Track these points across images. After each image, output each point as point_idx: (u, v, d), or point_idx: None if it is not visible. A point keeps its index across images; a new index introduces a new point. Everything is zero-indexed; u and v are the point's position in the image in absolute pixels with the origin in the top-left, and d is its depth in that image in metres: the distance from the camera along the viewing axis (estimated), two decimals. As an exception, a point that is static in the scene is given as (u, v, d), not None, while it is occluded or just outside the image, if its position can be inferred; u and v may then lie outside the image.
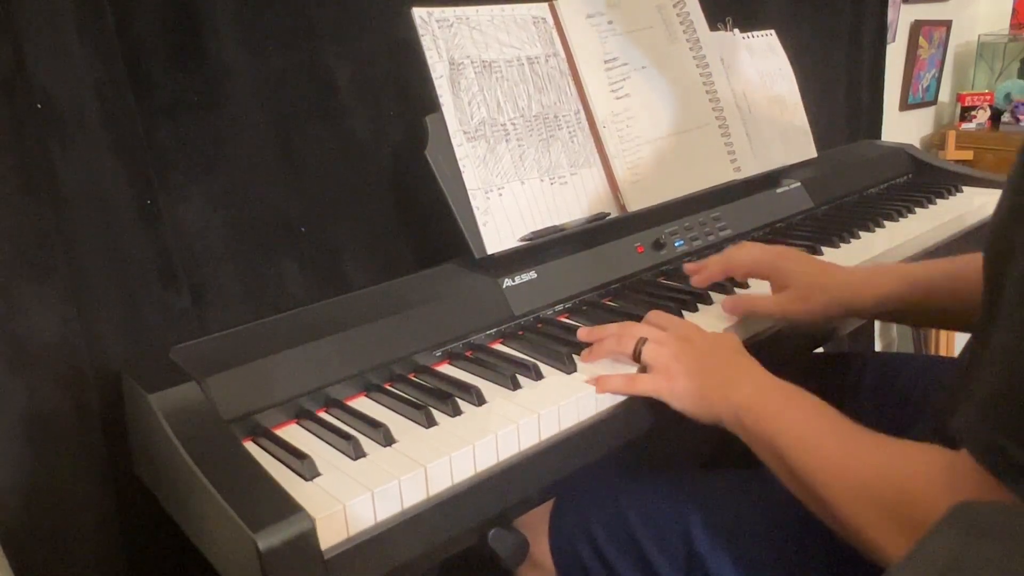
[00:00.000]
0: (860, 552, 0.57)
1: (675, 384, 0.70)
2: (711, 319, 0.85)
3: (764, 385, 0.67)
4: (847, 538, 0.58)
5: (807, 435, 0.60)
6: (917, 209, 1.22)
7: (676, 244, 1.01)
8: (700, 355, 0.71)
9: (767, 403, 0.64)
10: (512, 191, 0.89)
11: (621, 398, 0.73)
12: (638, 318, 0.83)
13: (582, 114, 0.97)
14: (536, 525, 0.81)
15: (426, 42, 0.86)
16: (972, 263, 0.77)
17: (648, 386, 0.71)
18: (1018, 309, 0.47)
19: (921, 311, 0.81)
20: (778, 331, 0.86)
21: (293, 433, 0.69)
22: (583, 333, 0.79)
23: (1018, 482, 0.46)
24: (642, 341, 0.72)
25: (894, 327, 2.25)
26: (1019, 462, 0.45)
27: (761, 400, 0.65)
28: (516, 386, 0.72)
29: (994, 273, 0.54)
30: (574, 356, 0.77)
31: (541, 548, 0.80)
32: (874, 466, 0.56)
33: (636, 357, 0.73)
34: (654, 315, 0.78)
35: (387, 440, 0.64)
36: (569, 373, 0.75)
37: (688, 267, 0.91)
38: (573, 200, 0.94)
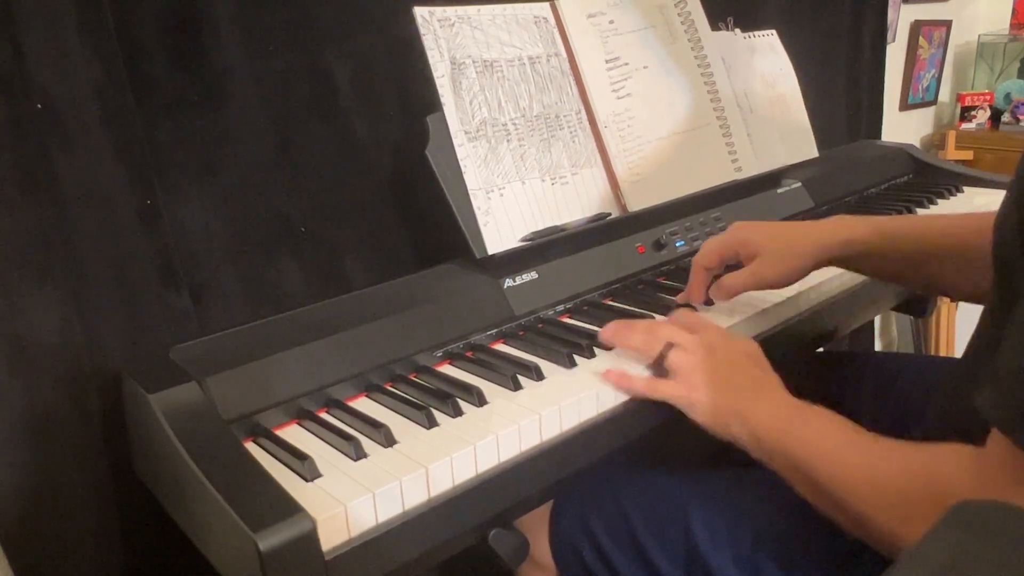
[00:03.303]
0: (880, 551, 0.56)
1: (694, 395, 0.70)
2: (716, 317, 0.85)
3: (782, 405, 0.67)
4: (881, 546, 0.57)
5: (830, 448, 0.60)
6: (918, 209, 1.22)
7: (677, 244, 1.01)
8: (722, 369, 0.70)
9: (786, 423, 0.64)
10: (513, 191, 0.89)
11: (623, 398, 0.73)
12: (639, 317, 0.83)
13: (583, 114, 0.97)
14: (536, 524, 0.81)
15: (427, 41, 0.86)
16: (938, 223, 0.79)
17: (669, 391, 0.71)
18: None
19: (887, 261, 0.81)
20: (778, 331, 0.86)
21: (294, 433, 0.68)
22: (607, 335, 0.77)
23: None
24: (668, 346, 0.72)
25: (893, 327, 2.25)
26: None
27: (780, 420, 0.65)
28: (517, 387, 0.72)
29: (1009, 259, 0.55)
30: (575, 356, 0.77)
31: (542, 547, 0.80)
32: (901, 469, 0.55)
33: (660, 360, 0.72)
34: (682, 315, 0.78)
35: (388, 441, 0.64)
36: (570, 372, 0.75)
37: (679, 299, 0.89)
38: (574, 200, 0.94)
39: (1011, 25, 2.38)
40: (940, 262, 0.78)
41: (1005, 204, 0.57)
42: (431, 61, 0.86)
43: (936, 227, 0.79)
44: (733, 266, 0.85)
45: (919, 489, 0.54)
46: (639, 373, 0.74)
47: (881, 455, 0.58)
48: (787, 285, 0.83)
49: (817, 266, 0.82)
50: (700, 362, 0.71)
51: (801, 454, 0.62)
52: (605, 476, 0.80)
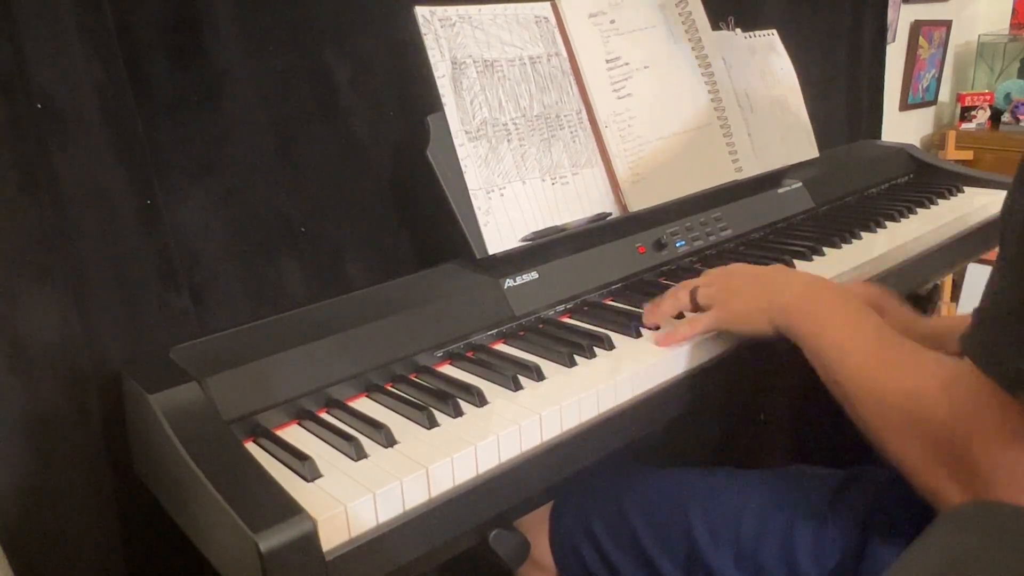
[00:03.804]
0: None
1: (730, 309, 0.74)
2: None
3: (813, 286, 0.70)
4: (876, 446, 0.60)
5: (844, 342, 0.64)
6: (918, 209, 1.22)
7: (678, 244, 1.01)
8: (749, 277, 0.76)
9: (813, 304, 0.67)
10: (513, 191, 0.89)
11: (624, 398, 0.73)
12: (639, 317, 0.83)
13: (584, 114, 0.97)
14: (536, 525, 0.81)
15: (428, 41, 0.86)
16: None
17: (710, 320, 0.76)
18: (1013, 237, 0.50)
19: None
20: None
21: (294, 434, 0.68)
22: (647, 315, 0.82)
23: (1013, 388, 0.49)
24: (695, 290, 0.78)
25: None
26: (1015, 367, 0.48)
27: (808, 301, 0.68)
28: (518, 387, 0.72)
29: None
30: (576, 356, 0.77)
31: (542, 548, 0.80)
32: (895, 377, 0.59)
33: (693, 304, 0.78)
34: (707, 272, 0.83)
35: (388, 441, 0.64)
36: (571, 372, 0.75)
37: None
38: (574, 200, 0.94)
39: (1011, 25, 2.38)
40: None
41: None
42: (432, 61, 0.86)
43: None
44: None
45: (903, 398, 0.57)
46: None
47: (885, 360, 0.61)
48: None
49: None
50: (725, 284, 0.76)
51: (820, 340, 0.65)
52: (605, 476, 0.80)
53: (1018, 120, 2.26)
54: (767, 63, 1.23)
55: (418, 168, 0.85)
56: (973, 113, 2.29)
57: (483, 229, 0.86)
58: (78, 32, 0.70)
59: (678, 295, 0.80)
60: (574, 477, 0.71)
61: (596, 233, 0.95)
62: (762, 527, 0.69)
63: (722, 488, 0.75)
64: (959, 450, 0.52)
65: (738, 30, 1.19)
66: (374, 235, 0.95)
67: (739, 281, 0.76)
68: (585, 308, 0.90)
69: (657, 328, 0.82)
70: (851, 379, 0.62)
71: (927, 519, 0.51)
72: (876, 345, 0.62)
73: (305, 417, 0.70)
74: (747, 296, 0.73)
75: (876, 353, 0.61)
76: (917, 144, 2.14)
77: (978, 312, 0.52)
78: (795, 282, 0.71)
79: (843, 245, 1.06)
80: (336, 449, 0.65)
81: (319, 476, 0.61)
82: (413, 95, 0.94)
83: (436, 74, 0.86)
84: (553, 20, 0.97)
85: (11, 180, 0.68)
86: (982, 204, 1.24)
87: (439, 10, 0.87)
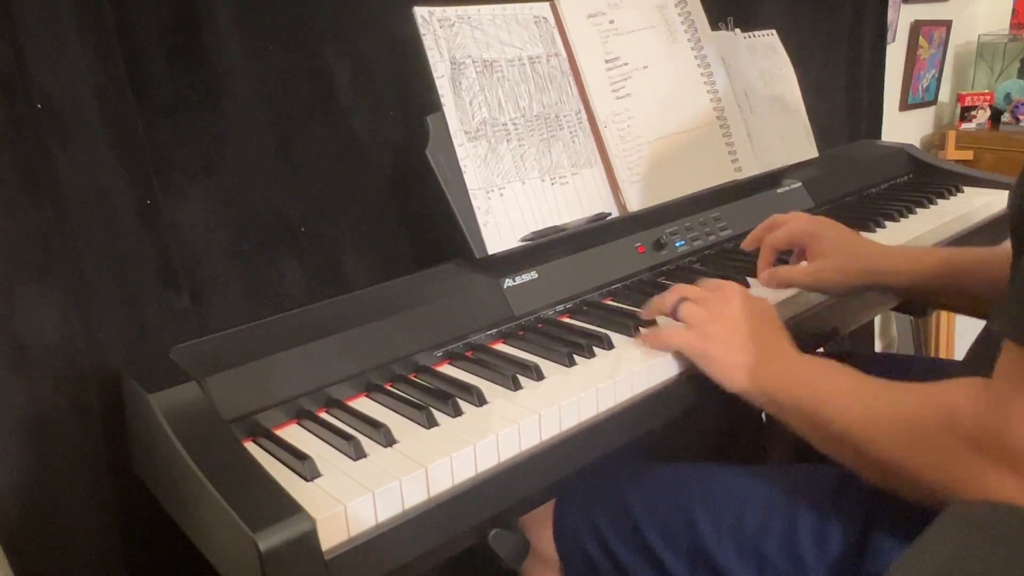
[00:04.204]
0: (919, 500, 0.57)
1: (704, 347, 0.72)
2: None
3: (793, 360, 0.69)
4: (903, 489, 0.58)
5: (843, 396, 0.62)
6: (918, 209, 1.22)
7: (677, 244, 1.01)
8: (735, 326, 0.72)
9: (799, 376, 0.66)
10: (513, 191, 0.89)
11: (624, 397, 0.73)
12: (639, 317, 0.83)
13: (583, 114, 0.97)
14: (540, 519, 0.81)
15: (427, 41, 0.86)
16: (1003, 252, 0.78)
17: (679, 340, 0.74)
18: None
19: (950, 293, 0.83)
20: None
21: (293, 433, 0.68)
22: (644, 311, 0.81)
23: None
24: (681, 300, 0.75)
25: (893, 327, 2.25)
26: None
27: (792, 375, 0.67)
28: (517, 386, 0.72)
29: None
30: (575, 356, 0.77)
31: (546, 541, 0.80)
32: (914, 403, 0.57)
33: (673, 314, 0.75)
34: (705, 281, 0.80)
35: (388, 440, 0.64)
36: (570, 372, 0.75)
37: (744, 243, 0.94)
38: (574, 200, 0.94)
39: (1011, 25, 2.38)
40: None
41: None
42: (431, 61, 0.86)
43: (1001, 258, 0.78)
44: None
45: (933, 420, 0.55)
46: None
47: (895, 394, 0.59)
48: (837, 296, 0.87)
49: (871, 289, 0.85)
50: (711, 316, 0.73)
51: (815, 406, 0.63)
52: (608, 470, 0.80)
53: (1018, 120, 2.25)
54: (767, 63, 1.23)
55: (418, 168, 0.85)
56: (973, 113, 2.29)
57: (483, 229, 0.86)
58: (78, 32, 0.70)
59: (666, 298, 0.77)
60: (577, 473, 0.71)
61: (595, 233, 0.95)
62: (765, 519, 0.69)
63: (725, 481, 0.75)
64: (998, 434, 0.51)
65: (737, 30, 1.19)
66: (374, 235, 0.95)
67: (726, 324, 0.72)
68: (584, 308, 0.90)
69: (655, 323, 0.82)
70: (859, 427, 0.60)
71: (930, 514, 0.51)
72: (872, 390, 0.61)
73: (305, 417, 0.70)
74: (727, 352, 0.71)
75: (881, 390, 0.61)
76: (917, 144, 2.14)
77: (1015, 298, 0.52)
78: (776, 356, 0.69)
79: (843, 245, 1.06)
80: (335, 449, 0.65)
81: (318, 475, 0.61)
82: (413, 95, 0.94)
83: (435, 74, 0.86)
84: (552, 20, 0.97)
85: (11, 180, 0.68)
86: (982, 204, 1.24)
87: (438, 10, 0.87)
